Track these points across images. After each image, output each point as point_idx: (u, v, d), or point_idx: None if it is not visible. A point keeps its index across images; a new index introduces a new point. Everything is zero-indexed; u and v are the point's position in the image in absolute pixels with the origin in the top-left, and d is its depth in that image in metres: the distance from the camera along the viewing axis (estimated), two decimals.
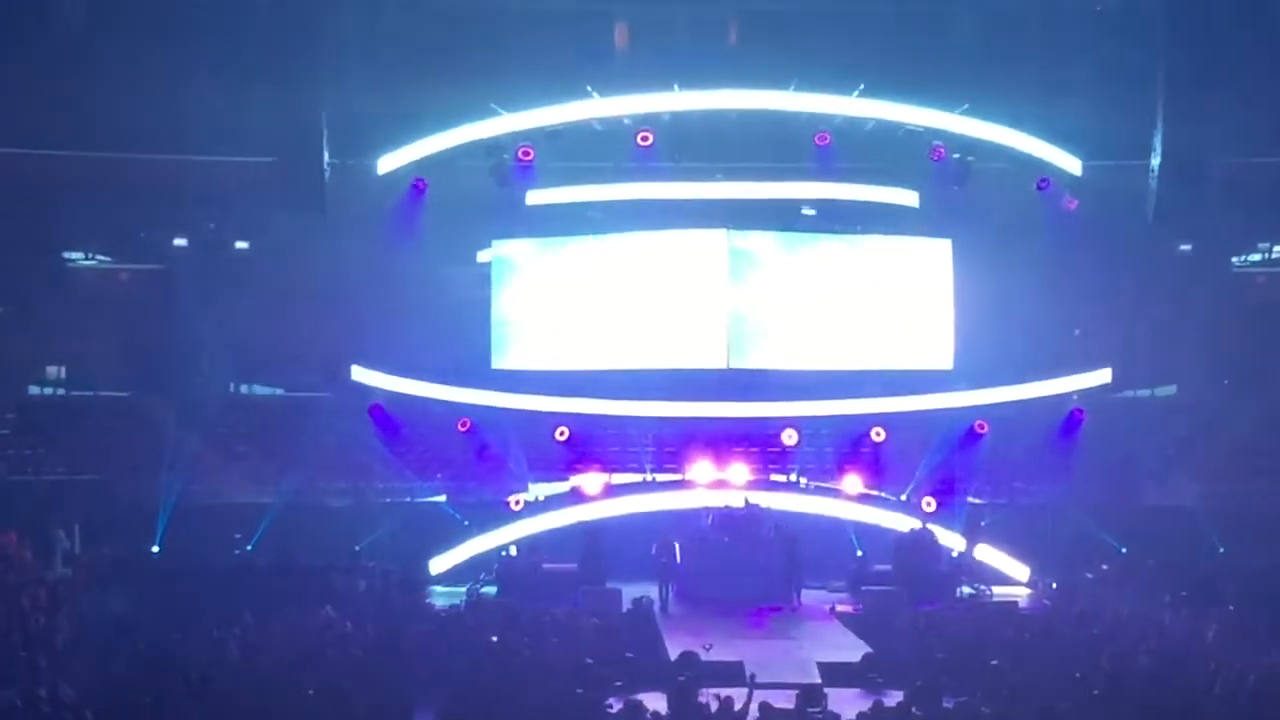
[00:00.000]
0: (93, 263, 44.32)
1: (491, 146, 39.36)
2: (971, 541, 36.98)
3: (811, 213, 40.92)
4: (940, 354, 40.42)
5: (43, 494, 38.26)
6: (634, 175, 39.67)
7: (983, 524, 37.94)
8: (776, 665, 26.98)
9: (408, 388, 39.44)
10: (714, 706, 20.85)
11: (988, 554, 37.35)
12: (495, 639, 26.83)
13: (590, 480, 38.63)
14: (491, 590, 35.84)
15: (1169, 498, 38.52)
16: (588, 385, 39.21)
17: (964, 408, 39.25)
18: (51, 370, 44.43)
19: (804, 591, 35.69)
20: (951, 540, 36.88)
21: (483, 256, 40.60)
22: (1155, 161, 39.60)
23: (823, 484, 39.24)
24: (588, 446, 39.25)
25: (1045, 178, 39.57)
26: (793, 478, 39.53)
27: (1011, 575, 37.44)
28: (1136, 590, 33.02)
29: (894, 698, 22.20)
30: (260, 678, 22.94)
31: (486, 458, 39.23)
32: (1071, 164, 39.58)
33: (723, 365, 39.73)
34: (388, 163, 39.50)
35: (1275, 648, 25.59)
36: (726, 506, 36.74)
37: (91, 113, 39.44)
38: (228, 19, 39.17)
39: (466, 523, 38.32)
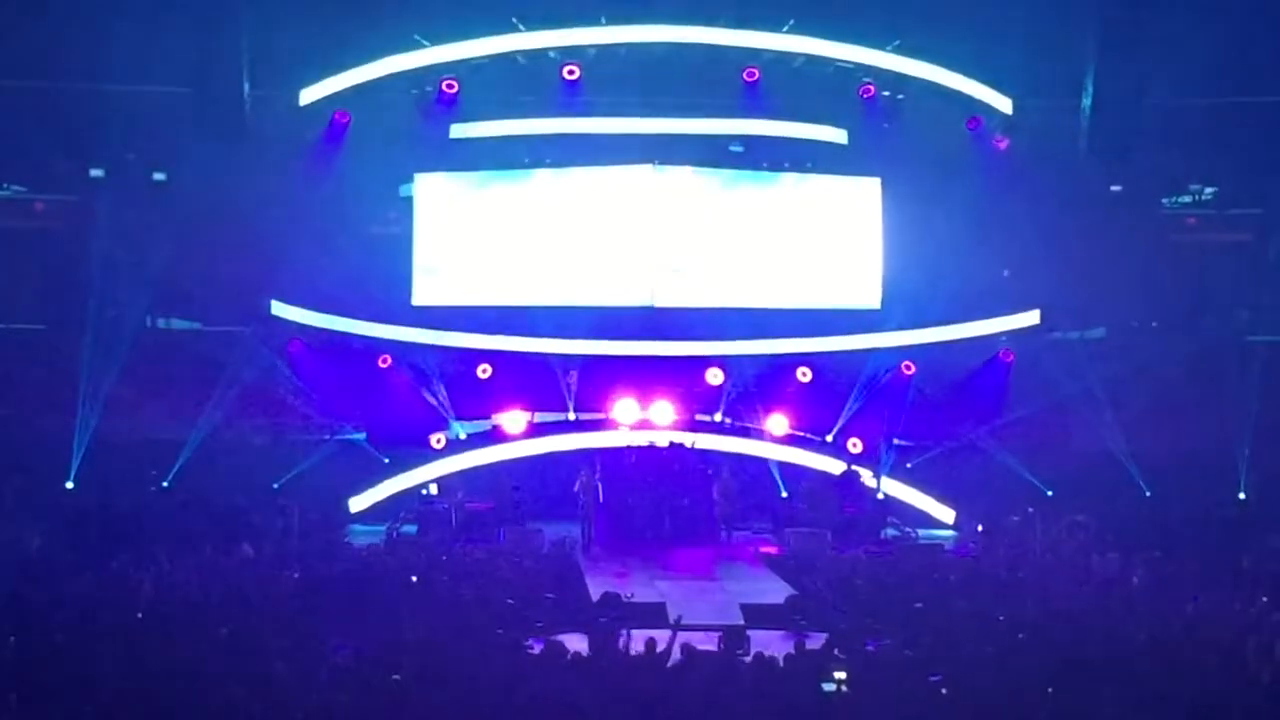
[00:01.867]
0: (8, 193, 43.55)
1: (415, 79, 38.94)
2: (878, 475, 37.02)
3: (740, 149, 40.47)
4: (868, 293, 40.12)
5: None
6: (560, 109, 39.21)
7: (908, 465, 38.02)
8: (699, 607, 26.84)
9: (328, 323, 38.93)
10: (636, 648, 20.60)
11: (909, 494, 37.45)
12: (415, 579, 26.66)
13: (513, 418, 38.40)
14: (411, 529, 35.57)
15: (1096, 441, 38.54)
16: (511, 322, 38.90)
17: (891, 348, 39.21)
18: None
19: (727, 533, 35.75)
20: (876, 481, 36.86)
21: (405, 190, 40.07)
22: (1087, 101, 39.32)
23: (748, 424, 39.15)
24: (510, 384, 38.91)
25: (976, 116, 39.39)
26: (718, 417, 39.38)
27: (937, 518, 37.47)
28: (1062, 534, 33.08)
29: (817, 640, 21.96)
30: (176, 617, 22.52)
31: (408, 395, 38.91)
32: (1003, 103, 39.37)
33: (648, 303, 39.27)
34: (309, 94, 38.80)
35: (1201, 593, 25.58)
36: (650, 445, 36.67)
37: (5, 41, 38.65)
38: None
39: (386, 461, 38.11)
